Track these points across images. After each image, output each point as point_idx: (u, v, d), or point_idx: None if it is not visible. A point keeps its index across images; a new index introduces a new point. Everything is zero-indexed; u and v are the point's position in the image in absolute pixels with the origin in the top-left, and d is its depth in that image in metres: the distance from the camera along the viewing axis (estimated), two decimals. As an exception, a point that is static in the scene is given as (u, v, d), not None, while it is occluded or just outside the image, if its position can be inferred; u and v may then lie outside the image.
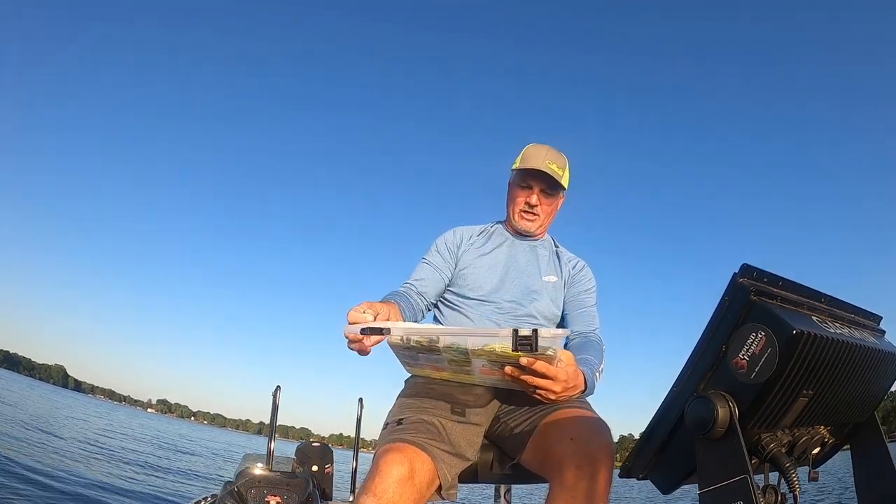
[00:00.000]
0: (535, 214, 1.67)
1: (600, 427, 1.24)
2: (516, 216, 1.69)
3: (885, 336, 1.12)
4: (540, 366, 1.11)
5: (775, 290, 0.89)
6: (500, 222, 1.82)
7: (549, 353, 1.11)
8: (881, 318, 1.13)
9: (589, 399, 1.41)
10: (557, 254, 1.75)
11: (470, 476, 1.43)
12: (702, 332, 0.88)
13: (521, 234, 1.73)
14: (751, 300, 0.84)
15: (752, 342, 0.82)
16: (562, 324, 1.68)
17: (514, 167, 1.69)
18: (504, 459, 1.40)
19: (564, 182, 1.66)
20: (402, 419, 1.34)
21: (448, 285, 1.69)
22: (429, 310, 1.69)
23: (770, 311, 0.82)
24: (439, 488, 1.27)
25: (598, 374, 1.41)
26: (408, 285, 1.65)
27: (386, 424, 1.37)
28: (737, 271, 0.87)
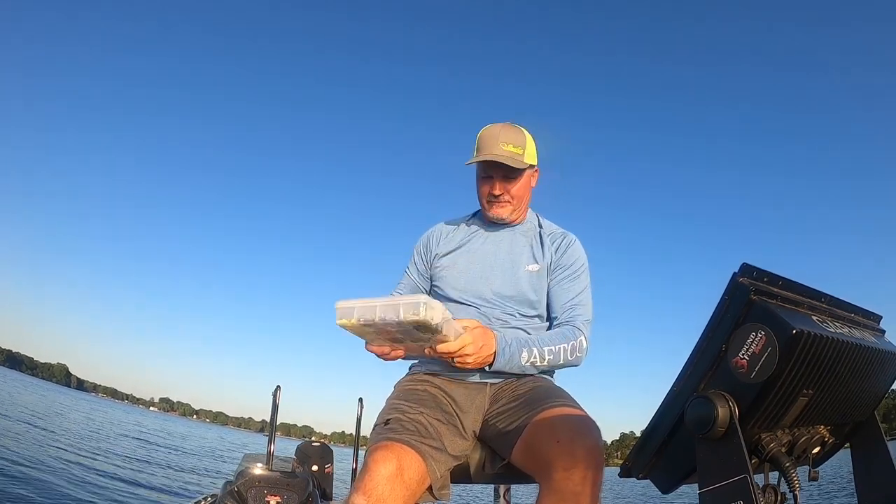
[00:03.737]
0: (503, 202, 1.58)
1: (587, 428, 1.21)
2: (485, 206, 1.62)
3: (885, 336, 1.12)
4: (443, 347, 1.21)
5: (775, 289, 0.89)
6: (478, 212, 1.74)
7: (440, 330, 1.14)
8: (881, 317, 1.13)
9: (583, 398, 1.40)
10: (541, 235, 1.64)
11: (462, 476, 1.44)
12: (702, 331, 0.88)
13: (500, 223, 1.64)
14: (751, 300, 0.84)
15: (751, 342, 0.81)
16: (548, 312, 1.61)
17: (472, 159, 1.59)
18: (495, 459, 1.40)
19: (528, 159, 1.56)
20: (389, 419, 1.35)
21: (432, 288, 1.68)
22: None
23: (770, 310, 0.82)
24: (431, 488, 1.28)
25: (533, 353, 1.38)
26: None
27: (375, 426, 1.39)
28: (736, 271, 0.87)
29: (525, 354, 1.38)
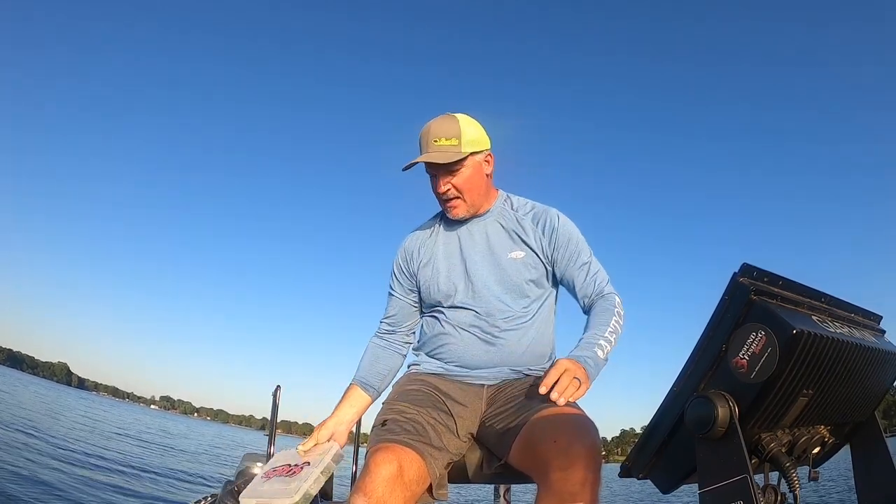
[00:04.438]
0: (454, 199, 1.51)
1: (585, 428, 1.18)
2: (442, 207, 1.57)
3: (885, 336, 1.12)
4: (551, 389, 1.21)
5: (775, 289, 0.89)
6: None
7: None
8: (881, 317, 1.13)
9: (583, 396, 1.39)
10: (517, 219, 1.56)
11: (461, 476, 1.44)
12: (702, 331, 0.88)
13: (471, 216, 1.57)
14: (751, 300, 0.84)
15: (752, 342, 0.81)
16: (557, 287, 1.59)
17: (406, 164, 1.52)
18: (493, 460, 1.39)
19: (466, 148, 1.47)
20: (386, 420, 1.35)
21: (421, 302, 1.63)
22: (409, 341, 1.67)
23: (770, 310, 0.82)
24: (430, 488, 1.28)
25: (603, 347, 1.37)
26: (379, 330, 1.67)
27: (373, 427, 1.39)
28: (737, 271, 0.87)
29: (600, 353, 1.35)
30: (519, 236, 1.54)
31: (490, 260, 1.53)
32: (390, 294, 1.68)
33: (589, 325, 1.46)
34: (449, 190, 1.50)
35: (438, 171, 1.49)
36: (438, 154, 1.46)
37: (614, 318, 1.42)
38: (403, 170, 1.49)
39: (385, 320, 1.67)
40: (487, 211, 1.59)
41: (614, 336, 1.41)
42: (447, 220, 1.62)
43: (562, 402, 1.21)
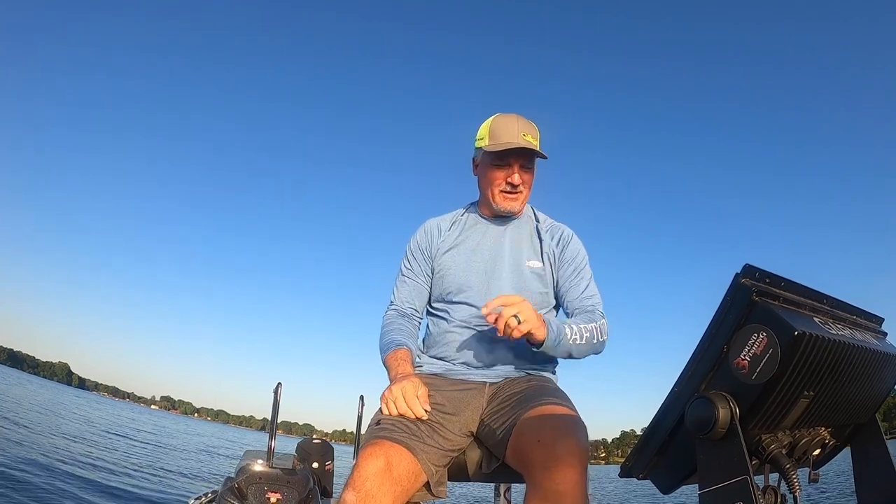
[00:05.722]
0: (517, 193, 1.55)
1: (571, 427, 1.19)
2: (497, 198, 1.56)
3: (887, 338, 1.12)
4: (505, 299, 1.29)
5: (777, 290, 0.89)
6: (473, 205, 1.69)
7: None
8: (883, 319, 1.13)
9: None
10: (538, 230, 1.61)
11: (461, 474, 1.44)
12: (703, 332, 0.88)
13: (500, 217, 1.61)
14: (753, 301, 0.84)
15: (753, 343, 0.81)
16: (557, 308, 1.61)
17: (482, 145, 1.56)
18: (492, 459, 1.40)
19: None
20: (381, 420, 1.36)
21: (432, 289, 1.62)
22: (417, 333, 1.65)
23: (772, 311, 0.82)
24: (428, 485, 1.29)
25: (573, 329, 1.38)
26: (394, 310, 1.62)
27: (368, 426, 1.39)
28: (739, 271, 0.87)
29: (568, 331, 1.37)
30: (538, 246, 1.58)
31: (511, 263, 1.55)
32: (403, 278, 1.64)
33: (575, 318, 1.49)
34: (521, 184, 1.54)
35: (519, 162, 1.53)
36: (531, 146, 1.51)
37: (595, 325, 1.44)
38: (493, 150, 1.51)
39: (399, 304, 1.63)
40: (516, 216, 1.63)
41: (588, 336, 1.40)
42: (474, 215, 1.65)
43: (501, 321, 1.27)
